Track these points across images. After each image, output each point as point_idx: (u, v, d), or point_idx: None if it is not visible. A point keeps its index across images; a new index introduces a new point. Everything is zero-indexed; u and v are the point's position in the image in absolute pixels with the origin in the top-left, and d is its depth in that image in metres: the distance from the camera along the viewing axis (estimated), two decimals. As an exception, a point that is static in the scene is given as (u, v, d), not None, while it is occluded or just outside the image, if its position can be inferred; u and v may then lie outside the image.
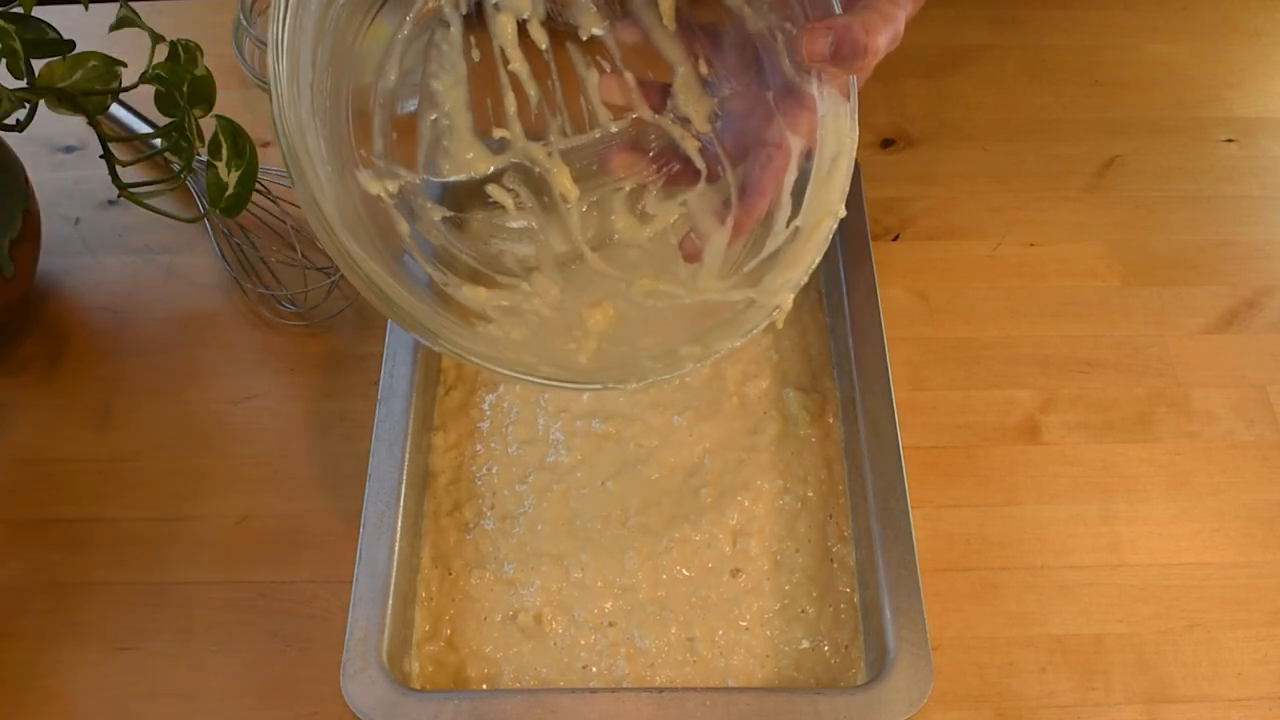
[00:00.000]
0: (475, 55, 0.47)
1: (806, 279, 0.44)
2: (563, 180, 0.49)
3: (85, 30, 0.51)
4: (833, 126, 0.44)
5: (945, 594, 0.52)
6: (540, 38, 0.47)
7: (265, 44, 0.65)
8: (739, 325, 0.44)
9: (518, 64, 0.47)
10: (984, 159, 0.68)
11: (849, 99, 0.43)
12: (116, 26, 0.51)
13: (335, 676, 0.46)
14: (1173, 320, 0.61)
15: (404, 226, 0.45)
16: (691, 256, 0.47)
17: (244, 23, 0.70)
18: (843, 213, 0.44)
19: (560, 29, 0.48)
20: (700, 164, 0.49)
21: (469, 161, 0.48)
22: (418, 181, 0.47)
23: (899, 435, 0.52)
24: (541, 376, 0.42)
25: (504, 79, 0.48)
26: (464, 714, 0.46)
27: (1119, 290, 0.63)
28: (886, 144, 0.69)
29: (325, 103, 0.41)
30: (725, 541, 0.53)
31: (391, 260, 0.43)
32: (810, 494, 0.55)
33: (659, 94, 0.49)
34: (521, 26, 0.46)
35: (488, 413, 0.57)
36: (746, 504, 0.54)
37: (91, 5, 0.52)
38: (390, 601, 0.48)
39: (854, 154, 0.44)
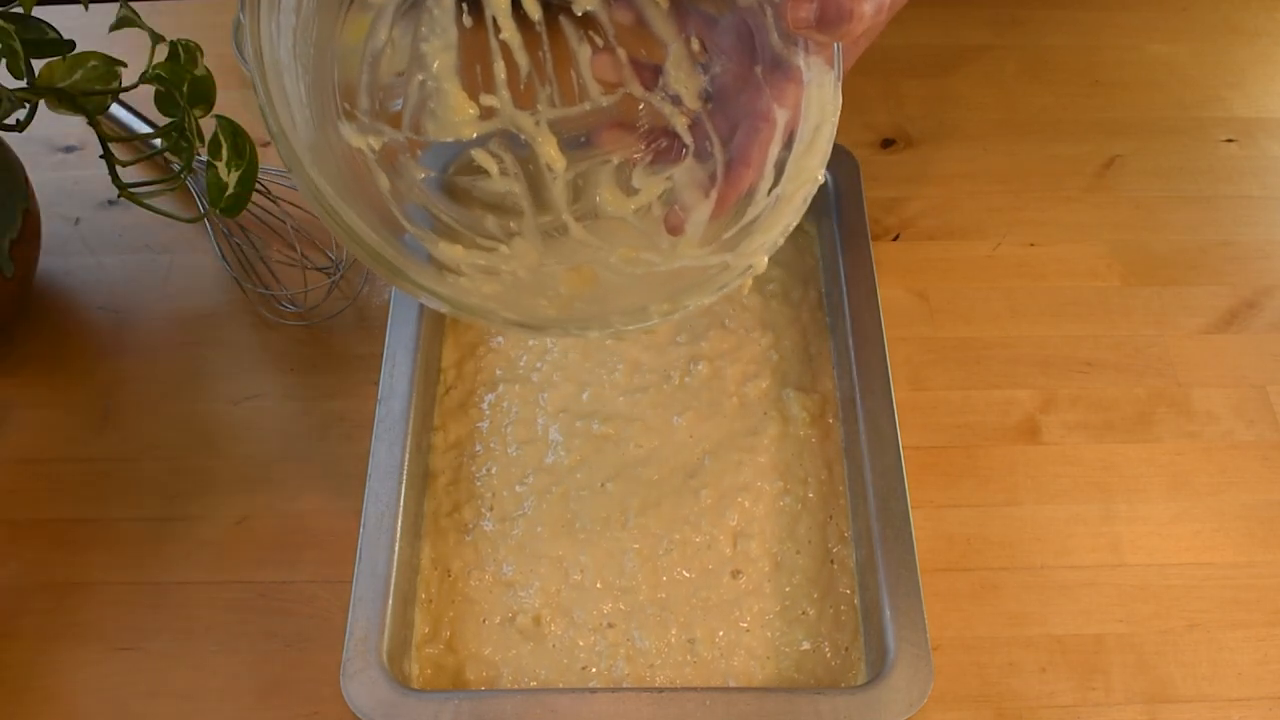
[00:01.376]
0: (467, 21, 0.46)
1: (782, 241, 0.44)
2: (549, 149, 0.49)
3: (85, 30, 0.51)
4: (817, 96, 0.44)
5: (945, 594, 0.52)
6: (534, 9, 0.47)
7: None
8: (711, 284, 0.44)
9: (509, 34, 0.47)
10: (984, 159, 0.68)
11: (834, 68, 0.44)
12: (116, 26, 0.51)
13: (335, 676, 0.46)
14: (1173, 320, 0.61)
15: (384, 181, 0.45)
16: (675, 229, 0.48)
17: (244, 22, 0.70)
18: (822, 179, 0.44)
19: (554, 2, 0.48)
20: (689, 140, 0.49)
21: (455, 125, 0.48)
22: (401, 139, 0.47)
23: (899, 435, 0.53)
24: (505, 321, 0.42)
25: (494, 46, 0.47)
26: (464, 714, 0.46)
27: (1119, 290, 0.63)
28: (886, 144, 0.69)
29: (310, 51, 0.42)
30: (725, 543, 0.53)
31: (369, 210, 0.43)
32: (810, 495, 0.55)
33: (651, 71, 0.49)
34: None
35: (487, 412, 0.57)
36: (746, 505, 0.54)
37: (91, 5, 0.52)
38: (390, 602, 0.48)
39: (836, 122, 0.44)
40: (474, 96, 0.48)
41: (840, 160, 0.62)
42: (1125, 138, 0.69)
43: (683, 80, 0.49)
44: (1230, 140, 0.69)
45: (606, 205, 0.50)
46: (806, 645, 0.51)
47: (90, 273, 0.63)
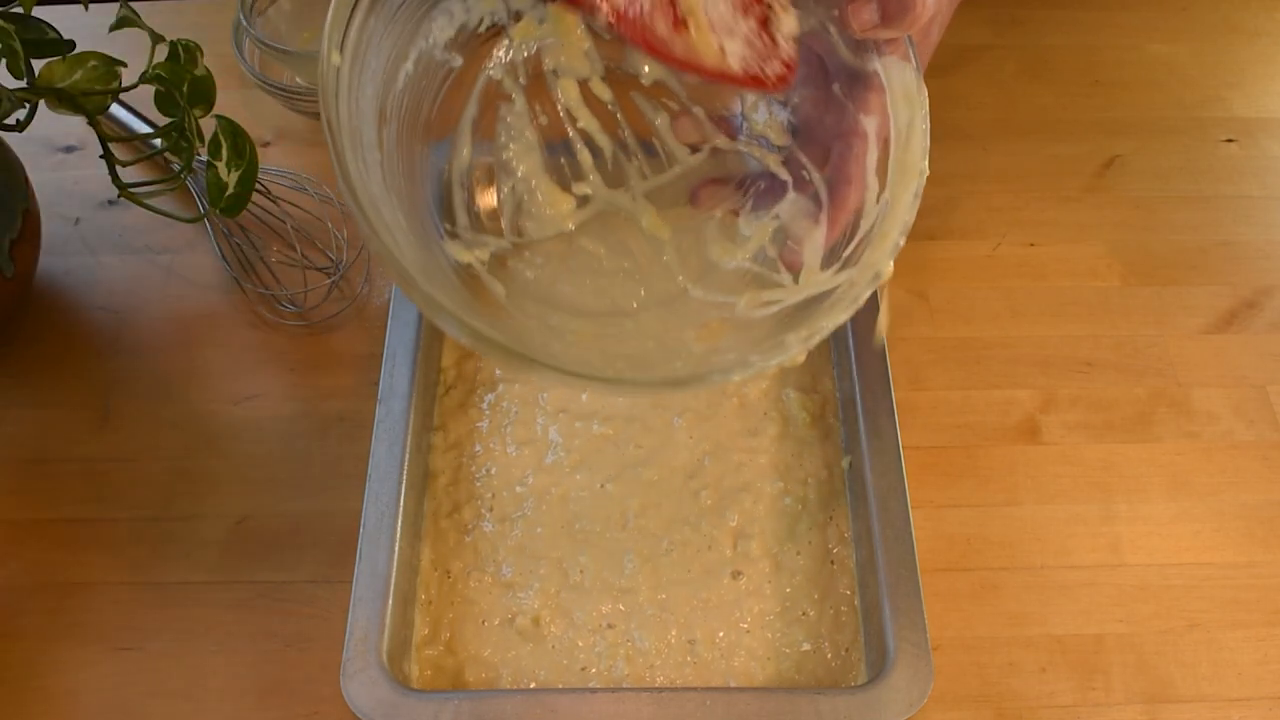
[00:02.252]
0: (543, 120, 0.47)
1: (904, 242, 0.42)
2: (651, 221, 0.49)
3: (85, 30, 0.51)
4: (901, 94, 0.43)
5: (945, 594, 0.52)
6: (603, 92, 0.47)
7: (265, 44, 0.65)
8: (843, 301, 0.42)
9: (586, 120, 0.48)
10: (984, 159, 0.68)
11: (911, 61, 0.43)
12: (116, 26, 0.51)
13: (335, 676, 0.46)
14: (1173, 320, 0.61)
15: (499, 289, 0.45)
16: (794, 266, 0.46)
17: (244, 23, 0.70)
18: (927, 170, 0.43)
19: (621, 78, 0.47)
20: (785, 175, 0.48)
21: (554, 220, 0.48)
22: (507, 245, 0.47)
23: (899, 435, 0.53)
24: (648, 386, 0.41)
25: (574, 136, 0.48)
26: (464, 714, 0.46)
27: (1119, 290, 0.63)
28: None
29: (400, 181, 0.42)
30: (726, 544, 0.53)
31: (491, 316, 0.44)
32: (810, 495, 0.55)
33: (731, 119, 0.49)
34: (584, 85, 0.47)
35: (486, 412, 0.57)
36: (747, 505, 0.54)
37: (91, 5, 0.52)
38: (390, 602, 0.48)
39: (927, 111, 0.43)
40: (566, 189, 0.48)
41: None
42: (1125, 138, 0.69)
43: (764, 120, 0.48)
44: (1230, 140, 0.69)
45: (721, 259, 0.49)
46: (807, 646, 0.51)
47: (90, 273, 0.63)
